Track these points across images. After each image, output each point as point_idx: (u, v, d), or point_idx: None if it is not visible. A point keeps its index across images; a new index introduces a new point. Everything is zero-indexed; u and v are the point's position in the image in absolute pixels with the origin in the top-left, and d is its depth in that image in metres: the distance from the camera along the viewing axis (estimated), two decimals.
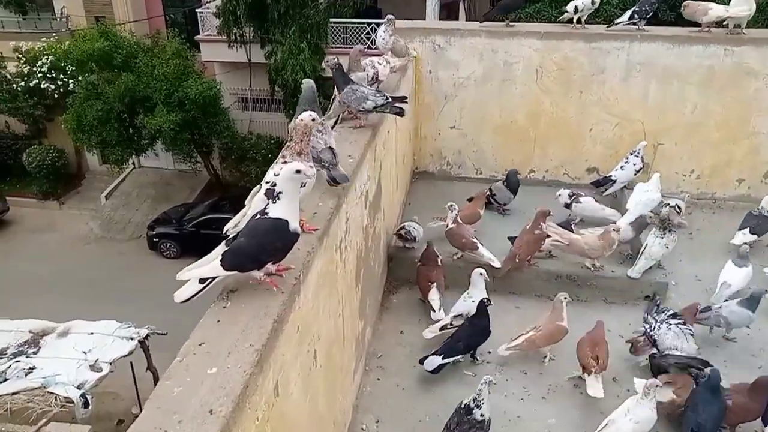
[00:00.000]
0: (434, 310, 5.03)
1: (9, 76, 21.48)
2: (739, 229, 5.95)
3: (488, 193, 6.36)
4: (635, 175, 6.47)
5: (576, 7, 6.65)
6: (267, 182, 2.77)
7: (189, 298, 2.52)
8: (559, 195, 6.14)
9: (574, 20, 6.74)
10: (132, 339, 9.43)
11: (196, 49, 22.10)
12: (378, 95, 4.49)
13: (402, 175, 6.52)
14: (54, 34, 22.09)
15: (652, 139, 6.80)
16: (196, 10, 22.10)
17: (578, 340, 4.41)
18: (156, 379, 9.37)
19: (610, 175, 6.53)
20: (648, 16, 6.66)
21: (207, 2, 21.64)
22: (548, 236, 5.36)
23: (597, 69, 6.66)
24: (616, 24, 6.74)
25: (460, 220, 5.47)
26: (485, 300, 4.64)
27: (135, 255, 19.88)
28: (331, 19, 20.49)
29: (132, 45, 19.81)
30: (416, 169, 7.37)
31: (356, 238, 4.04)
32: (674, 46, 6.47)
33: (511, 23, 6.93)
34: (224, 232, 2.81)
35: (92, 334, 9.44)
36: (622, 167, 6.49)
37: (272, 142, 21.62)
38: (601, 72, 6.67)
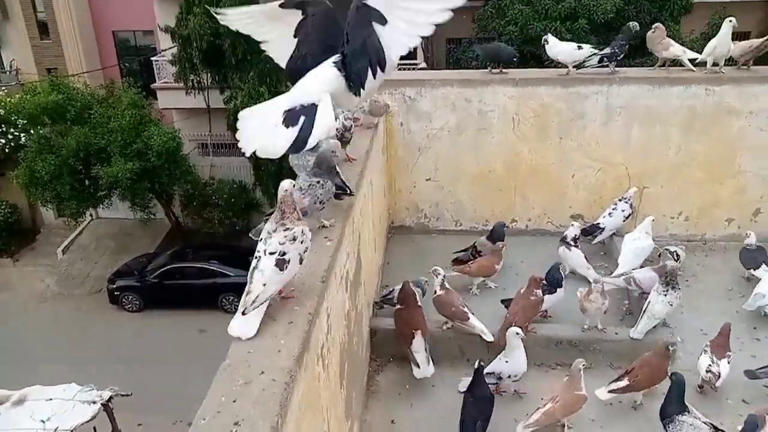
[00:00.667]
0: (418, 366, 4.47)
1: None
2: (752, 268, 5.55)
3: (472, 250, 5.86)
4: (624, 221, 6.06)
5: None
6: (272, 252, 2.63)
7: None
8: (572, 225, 5.70)
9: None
10: (94, 402, 8.49)
11: (153, 97, 21.44)
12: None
13: (379, 235, 5.96)
14: (3, 88, 21.15)
15: (636, 182, 6.41)
16: (152, 58, 21.46)
17: None
18: None
19: (598, 223, 6.10)
20: (618, 58, 6.32)
21: (163, 50, 21.03)
22: (543, 301, 4.87)
23: (576, 114, 6.26)
24: (585, 66, 6.35)
25: (447, 286, 4.92)
26: (481, 364, 4.13)
27: (95, 310, 18.82)
28: None
29: (86, 96, 19.06)
30: (392, 223, 6.83)
31: (338, 332, 3.44)
32: (654, 88, 6.12)
33: (504, 71, 6.46)
34: (242, 311, 2.56)
35: (51, 400, 8.46)
36: (610, 214, 6.07)
37: (235, 186, 20.93)
38: (580, 117, 6.27)
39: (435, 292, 4.90)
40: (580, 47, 6.31)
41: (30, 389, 8.83)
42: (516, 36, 17.29)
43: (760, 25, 21.45)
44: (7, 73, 22.53)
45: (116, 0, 22.78)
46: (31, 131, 19.14)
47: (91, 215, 21.76)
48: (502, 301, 5.27)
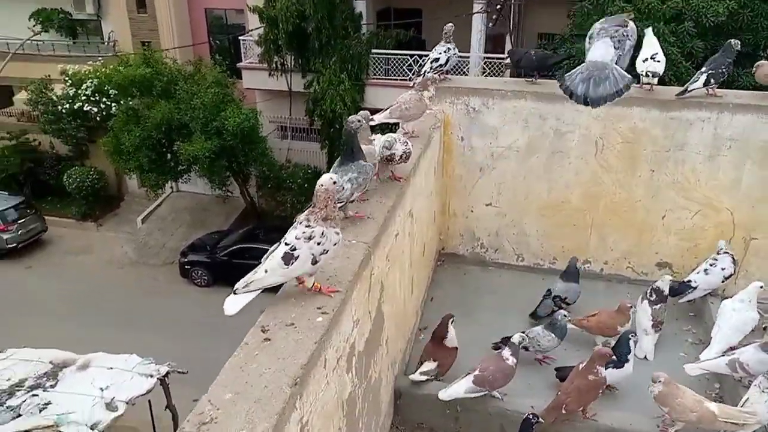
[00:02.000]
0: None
1: (55, 98, 20.87)
2: None
3: (553, 299, 4.89)
4: (723, 281, 4.84)
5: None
6: (287, 243, 2.58)
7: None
8: (661, 280, 4.62)
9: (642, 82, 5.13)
10: (152, 376, 8.55)
11: (237, 77, 21.16)
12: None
13: (423, 268, 5.02)
14: (100, 58, 21.43)
15: (742, 232, 5.14)
16: (239, 37, 21.12)
17: None
18: (175, 418, 8.78)
19: (690, 281, 4.90)
20: (723, 80, 5.02)
21: (250, 30, 20.64)
22: (606, 384, 3.82)
23: (675, 144, 5.04)
24: (689, 90, 5.06)
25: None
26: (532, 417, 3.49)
27: (166, 281, 18.85)
28: (372, 50, 19.23)
29: (173, 72, 18.92)
30: (443, 250, 5.85)
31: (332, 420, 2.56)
32: None
33: (537, 81, 5.37)
34: (234, 289, 2.58)
35: (112, 369, 8.66)
36: (706, 270, 4.86)
37: (309, 171, 20.38)
38: (679, 148, 5.04)
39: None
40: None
41: (94, 355, 9.08)
42: None
43: None
44: (105, 44, 22.84)
45: None
46: (121, 102, 19.24)
47: (171, 187, 21.85)
48: (557, 370, 4.25)
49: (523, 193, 5.47)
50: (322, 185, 2.59)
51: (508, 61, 18.41)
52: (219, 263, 18.23)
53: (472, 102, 5.31)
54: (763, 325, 4.52)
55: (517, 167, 5.41)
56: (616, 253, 5.47)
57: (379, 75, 19.58)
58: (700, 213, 5.19)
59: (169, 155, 19.03)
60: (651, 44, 5.15)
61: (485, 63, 18.65)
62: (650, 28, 5.35)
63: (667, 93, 5.06)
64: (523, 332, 4.04)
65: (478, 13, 18.11)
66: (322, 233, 2.55)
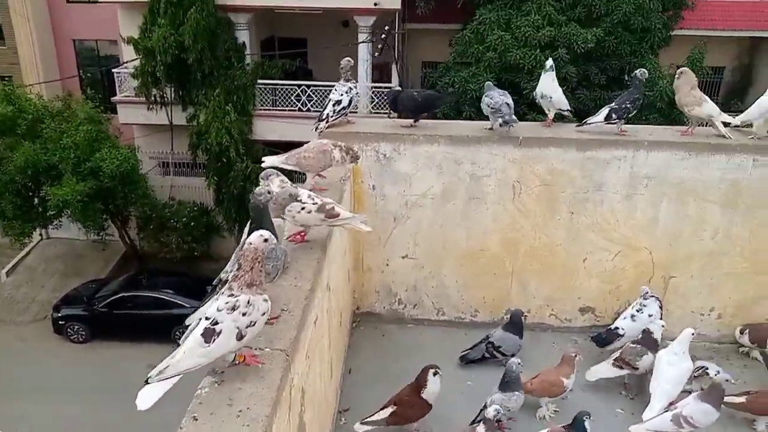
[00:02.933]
0: None
1: None
2: None
3: (486, 345, 4.46)
4: None
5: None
6: (207, 318, 2.21)
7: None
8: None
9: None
10: None
11: (113, 111, 19.53)
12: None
13: (340, 341, 4.39)
14: None
15: (662, 271, 4.97)
16: (113, 70, 19.53)
17: None
18: None
19: (617, 328, 4.63)
20: (629, 116, 4.86)
21: (125, 63, 19.13)
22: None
23: (592, 184, 4.79)
24: (588, 123, 4.88)
25: None
26: None
27: (37, 340, 16.73)
28: (258, 81, 18.42)
29: (38, 109, 17.04)
30: (357, 309, 5.25)
31: None
32: (690, 156, 4.69)
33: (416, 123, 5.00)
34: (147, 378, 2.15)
35: None
36: (633, 317, 4.61)
37: (195, 209, 19.06)
38: (597, 188, 4.80)
39: None
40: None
41: None
42: (495, 63, 15.91)
43: (734, 60, 20.59)
44: None
45: (78, 7, 20.81)
46: None
47: (41, 235, 19.65)
48: None
49: (441, 242, 5.01)
50: (251, 244, 2.27)
51: (396, 90, 18.36)
52: (98, 316, 16.47)
53: (383, 148, 4.79)
54: (694, 374, 4.31)
55: (433, 215, 4.94)
56: (538, 300, 5.13)
57: (267, 106, 18.80)
58: (620, 254, 4.98)
59: (36, 200, 17.11)
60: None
61: (373, 92, 18.42)
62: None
63: (586, 132, 4.80)
64: (495, 405, 3.58)
65: (363, 42, 17.88)
66: (248, 302, 2.22)
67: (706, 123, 4.96)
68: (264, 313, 2.27)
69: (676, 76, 5.04)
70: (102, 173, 16.12)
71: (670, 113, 16.44)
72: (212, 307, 2.24)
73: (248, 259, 2.27)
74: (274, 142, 18.84)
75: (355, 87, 4.98)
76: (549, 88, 4.95)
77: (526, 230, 4.93)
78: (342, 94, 4.85)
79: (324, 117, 4.79)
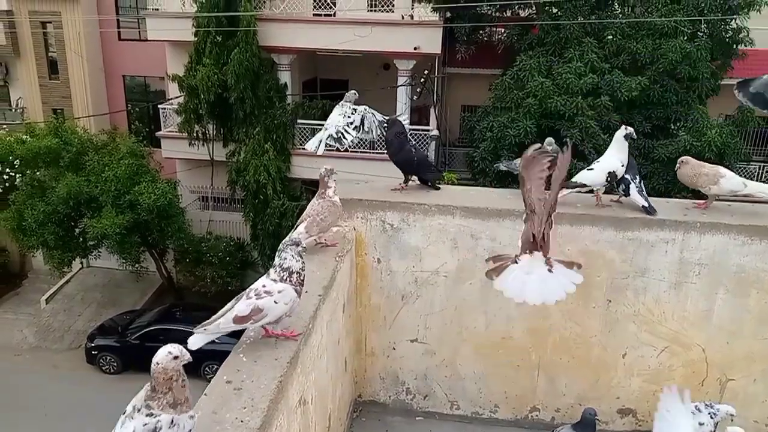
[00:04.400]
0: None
1: None
2: None
3: None
4: None
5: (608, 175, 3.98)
6: None
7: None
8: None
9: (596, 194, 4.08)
10: None
11: (157, 145, 19.56)
12: None
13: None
14: (5, 126, 19.34)
15: (717, 372, 4.11)
16: (159, 106, 19.59)
17: None
18: None
19: None
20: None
21: (170, 99, 19.17)
22: None
23: (635, 269, 3.99)
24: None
25: None
26: None
27: (70, 369, 16.50)
28: (298, 121, 18.15)
29: (83, 142, 17.12)
30: (359, 397, 4.52)
31: None
32: (753, 242, 3.86)
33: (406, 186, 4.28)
34: None
35: None
36: None
37: (231, 244, 18.74)
38: (640, 274, 4.00)
39: None
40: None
41: None
42: (535, 109, 15.16)
43: None
44: (13, 110, 20.75)
45: (130, 44, 21.10)
46: (26, 173, 17.18)
47: (81, 263, 19.62)
48: None
49: (456, 326, 4.26)
50: (158, 364, 2.05)
51: (434, 133, 17.80)
52: (130, 347, 16.15)
53: (389, 218, 4.12)
54: None
55: (446, 295, 4.21)
56: (569, 398, 4.31)
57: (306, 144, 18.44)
58: (667, 350, 4.13)
59: (77, 231, 17.06)
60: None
61: (411, 134, 17.87)
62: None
63: (623, 209, 4.02)
64: None
65: (402, 85, 17.42)
66: (172, 422, 1.98)
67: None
68: (190, 430, 2.05)
69: (677, 167, 4.22)
70: (140, 206, 15.96)
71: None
72: (128, 427, 1.97)
73: (160, 381, 2.02)
74: (312, 180, 18.46)
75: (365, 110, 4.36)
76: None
77: (556, 318, 4.14)
78: (349, 114, 4.21)
79: (345, 142, 4.13)
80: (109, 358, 16.31)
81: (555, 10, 16.05)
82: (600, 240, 3.95)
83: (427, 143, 17.66)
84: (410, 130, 17.89)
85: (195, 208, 19.61)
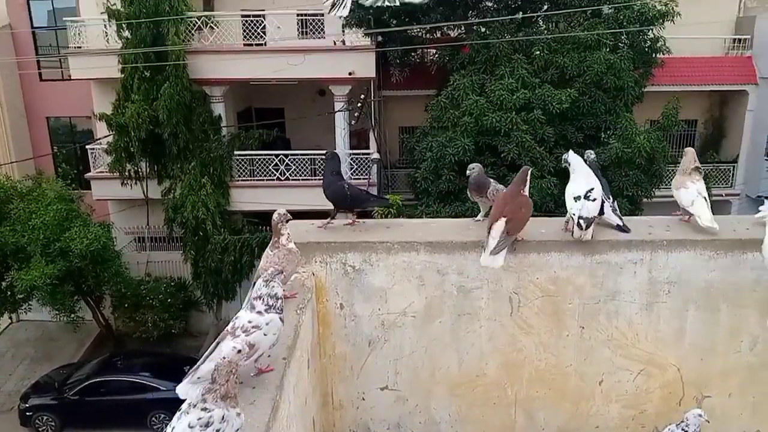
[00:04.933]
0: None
1: None
2: None
3: None
4: None
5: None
6: None
7: None
8: None
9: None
10: None
11: (87, 187, 18.58)
12: None
13: None
14: None
15: (693, 390, 4.01)
16: (86, 146, 18.64)
17: None
18: None
19: None
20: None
21: (98, 139, 18.27)
22: None
23: (605, 293, 3.86)
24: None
25: None
26: None
27: None
28: (235, 152, 17.62)
29: (6, 190, 16.02)
30: None
31: None
32: (719, 255, 3.80)
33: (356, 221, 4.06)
34: None
35: None
36: None
37: (172, 284, 17.89)
38: (611, 298, 3.87)
39: None
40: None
41: None
42: (471, 127, 15.26)
43: (705, 114, 20.29)
44: None
45: (52, 84, 20.07)
46: None
47: (10, 318, 18.26)
48: None
49: (428, 369, 4.01)
50: (224, 357, 2.27)
51: (374, 156, 17.65)
52: (69, 404, 15.01)
53: (351, 259, 3.84)
54: None
55: (416, 337, 3.96)
56: None
57: (245, 176, 17.95)
58: (643, 372, 4.00)
59: (3, 284, 15.88)
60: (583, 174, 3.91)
61: (351, 159, 17.70)
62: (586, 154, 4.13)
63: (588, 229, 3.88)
64: None
65: (339, 111, 17.23)
66: (222, 418, 2.12)
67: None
68: (238, 429, 2.20)
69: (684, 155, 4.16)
70: (72, 253, 15.01)
71: (649, 168, 15.87)
72: (182, 422, 2.13)
73: (222, 374, 2.19)
74: (253, 212, 17.95)
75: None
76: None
77: (529, 350, 3.95)
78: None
79: None
80: (46, 418, 15.08)
81: (483, 29, 16.31)
82: (569, 266, 3.81)
83: (368, 167, 17.50)
84: (350, 154, 17.74)
85: (131, 249, 18.68)
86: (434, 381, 4.02)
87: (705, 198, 3.90)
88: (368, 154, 17.76)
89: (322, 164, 17.70)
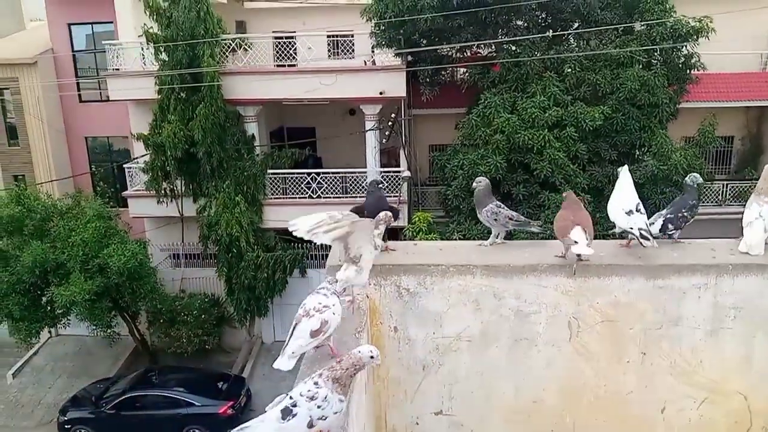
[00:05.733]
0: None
1: None
2: None
3: None
4: None
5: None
6: (291, 397, 2.38)
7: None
8: None
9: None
10: None
11: (124, 205, 18.89)
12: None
13: None
14: None
15: (761, 420, 3.83)
16: (124, 166, 18.99)
17: None
18: None
19: None
20: (685, 224, 3.89)
21: (135, 158, 18.61)
22: None
23: (668, 318, 3.73)
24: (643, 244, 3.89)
25: None
26: None
27: None
28: (268, 171, 17.78)
29: (47, 208, 16.35)
30: None
31: None
32: None
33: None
34: None
35: None
36: None
37: (206, 300, 17.99)
38: (674, 323, 3.73)
39: None
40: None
41: None
42: (503, 144, 15.16)
43: (742, 130, 19.86)
44: None
45: (91, 105, 20.55)
46: None
47: (49, 332, 18.56)
48: None
49: (483, 394, 3.91)
50: (360, 351, 2.50)
51: (405, 174, 17.63)
52: (106, 418, 15.18)
53: (405, 282, 3.78)
54: None
55: (471, 362, 3.86)
56: None
57: (277, 194, 18.08)
58: (708, 401, 3.84)
59: (44, 299, 16.14)
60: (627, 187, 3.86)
61: (383, 176, 17.70)
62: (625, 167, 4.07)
63: (652, 255, 3.77)
64: None
65: (370, 130, 17.28)
66: (326, 397, 2.36)
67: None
68: (336, 412, 2.37)
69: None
70: (109, 270, 15.23)
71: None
72: (297, 389, 2.39)
73: (348, 363, 2.42)
74: (286, 229, 18.00)
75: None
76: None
77: (589, 377, 3.83)
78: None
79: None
80: (83, 431, 15.27)
81: (514, 48, 16.24)
82: (630, 290, 3.68)
83: (399, 184, 17.48)
84: (381, 172, 17.74)
85: (166, 266, 18.88)
86: (490, 407, 3.91)
87: (765, 220, 3.77)
88: (399, 171, 17.75)
89: (354, 183, 17.82)
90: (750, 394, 3.80)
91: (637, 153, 16.26)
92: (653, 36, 15.41)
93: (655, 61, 15.78)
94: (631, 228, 3.61)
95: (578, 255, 3.54)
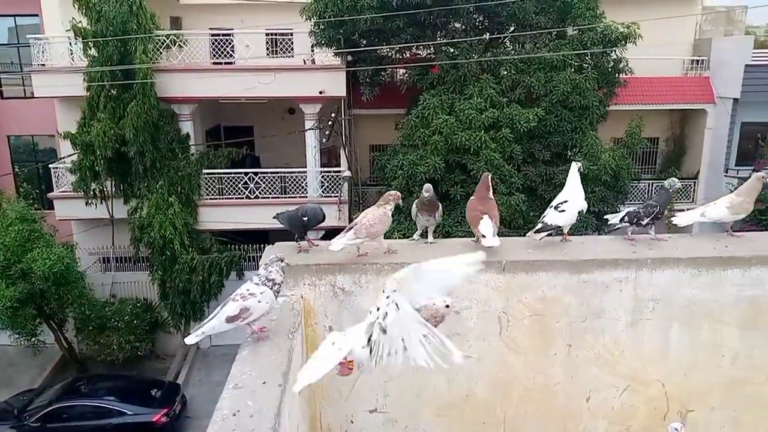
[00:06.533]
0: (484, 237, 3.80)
1: None
2: None
3: None
4: None
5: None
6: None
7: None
8: None
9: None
10: None
11: (50, 207, 18.05)
12: None
13: None
14: None
15: (677, 405, 4.06)
16: (50, 165, 18.14)
17: None
18: None
19: None
20: (640, 222, 4.11)
21: (62, 158, 17.81)
22: None
23: (591, 311, 3.90)
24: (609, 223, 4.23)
25: None
26: None
27: None
28: (204, 171, 17.38)
29: None
30: None
31: None
32: (700, 272, 3.88)
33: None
34: None
35: None
36: None
37: (138, 305, 17.39)
38: (597, 315, 3.91)
39: None
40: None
41: None
42: (441, 145, 15.41)
43: (666, 132, 20.93)
44: None
45: (14, 102, 19.55)
46: None
47: None
48: None
49: (416, 391, 3.97)
50: (437, 308, 2.87)
51: (345, 174, 17.63)
52: (29, 431, 14.42)
53: (340, 281, 3.79)
54: None
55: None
56: None
57: (213, 194, 17.71)
58: (629, 389, 4.04)
59: None
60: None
61: (323, 177, 17.65)
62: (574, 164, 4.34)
63: (576, 248, 3.94)
64: None
65: (310, 129, 17.20)
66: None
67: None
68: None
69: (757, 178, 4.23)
70: (33, 275, 14.52)
71: (614, 185, 16.25)
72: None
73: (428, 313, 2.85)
74: (222, 231, 17.71)
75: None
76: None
77: (518, 370, 3.95)
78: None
79: None
80: None
81: (452, 50, 16.54)
82: (556, 285, 3.83)
83: (339, 184, 17.47)
84: (321, 171, 17.68)
85: (96, 271, 18.19)
86: (423, 402, 3.98)
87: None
88: (339, 171, 17.75)
89: (293, 183, 17.68)
90: (667, 381, 4.03)
91: (569, 153, 16.84)
92: (584, 41, 16.04)
93: (586, 65, 16.41)
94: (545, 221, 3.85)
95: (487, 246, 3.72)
